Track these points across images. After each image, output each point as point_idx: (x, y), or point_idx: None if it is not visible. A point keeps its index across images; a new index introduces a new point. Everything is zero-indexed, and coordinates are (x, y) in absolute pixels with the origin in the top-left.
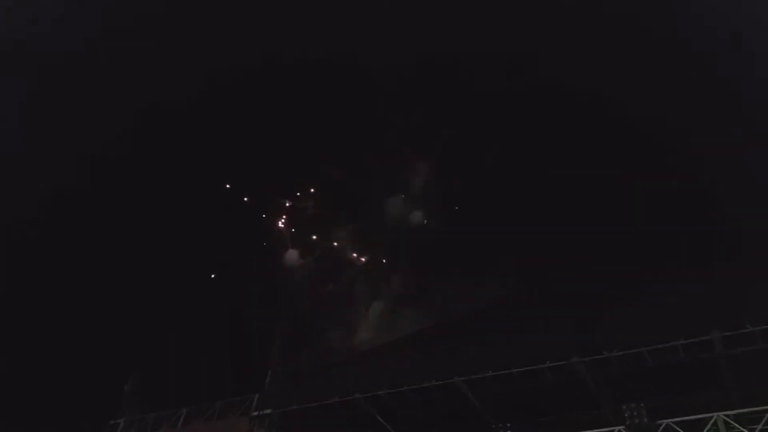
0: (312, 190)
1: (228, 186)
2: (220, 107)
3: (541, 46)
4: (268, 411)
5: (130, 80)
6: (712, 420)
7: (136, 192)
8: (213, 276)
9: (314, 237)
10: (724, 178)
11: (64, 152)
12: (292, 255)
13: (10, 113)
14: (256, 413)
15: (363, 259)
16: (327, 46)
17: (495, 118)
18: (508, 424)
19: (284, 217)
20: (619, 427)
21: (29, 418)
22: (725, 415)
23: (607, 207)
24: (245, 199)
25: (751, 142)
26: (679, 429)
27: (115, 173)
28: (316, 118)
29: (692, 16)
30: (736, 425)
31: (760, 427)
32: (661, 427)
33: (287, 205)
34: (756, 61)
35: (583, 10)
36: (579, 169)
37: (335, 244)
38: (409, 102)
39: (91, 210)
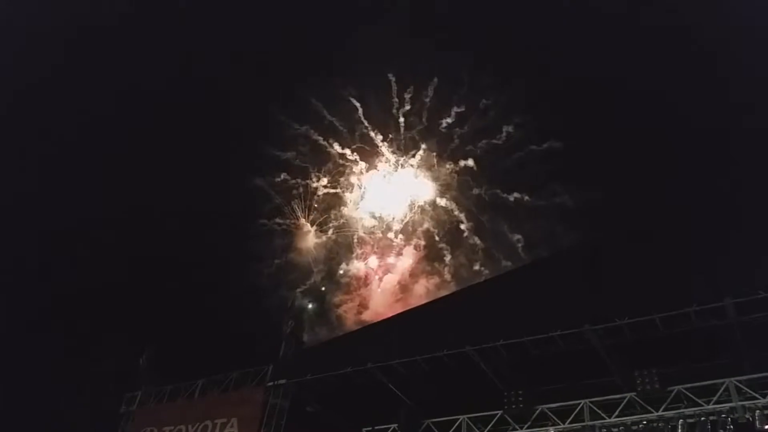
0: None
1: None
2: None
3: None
4: (283, 381)
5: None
6: (724, 386)
7: (156, 162)
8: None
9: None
10: (736, 147)
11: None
12: (306, 231)
13: None
14: (271, 383)
15: (377, 234)
16: None
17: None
18: (520, 392)
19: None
20: (631, 394)
21: (47, 392)
22: (737, 381)
23: (618, 175)
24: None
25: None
26: (690, 395)
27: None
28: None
29: None
30: (749, 390)
31: None
32: (673, 394)
33: (300, 184)
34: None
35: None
36: (591, 137)
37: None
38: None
39: (108, 182)
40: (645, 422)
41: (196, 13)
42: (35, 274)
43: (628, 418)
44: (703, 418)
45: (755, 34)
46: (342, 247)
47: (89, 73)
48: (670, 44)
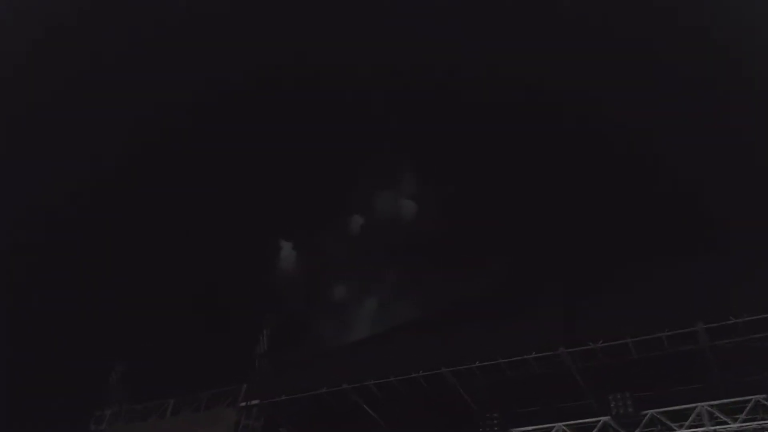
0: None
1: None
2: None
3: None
4: (256, 401)
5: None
6: (696, 410)
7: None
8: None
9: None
10: (708, 172)
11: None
12: (284, 247)
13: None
14: (243, 404)
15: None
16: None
17: (480, 121)
18: (495, 414)
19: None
20: (605, 417)
21: (14, 411)
22: (709, 406)
23: (592, 200)
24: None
25: (732, 137)
26: (663, 419)
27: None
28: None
29: None
30: (720, 415)
31: (742, 416)
32: (646, 418)
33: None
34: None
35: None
36: (562, 163)
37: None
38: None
39: (80, 203)
40: None
41: None
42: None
43: None
44: None
45: None
46: None
47: None
48: None
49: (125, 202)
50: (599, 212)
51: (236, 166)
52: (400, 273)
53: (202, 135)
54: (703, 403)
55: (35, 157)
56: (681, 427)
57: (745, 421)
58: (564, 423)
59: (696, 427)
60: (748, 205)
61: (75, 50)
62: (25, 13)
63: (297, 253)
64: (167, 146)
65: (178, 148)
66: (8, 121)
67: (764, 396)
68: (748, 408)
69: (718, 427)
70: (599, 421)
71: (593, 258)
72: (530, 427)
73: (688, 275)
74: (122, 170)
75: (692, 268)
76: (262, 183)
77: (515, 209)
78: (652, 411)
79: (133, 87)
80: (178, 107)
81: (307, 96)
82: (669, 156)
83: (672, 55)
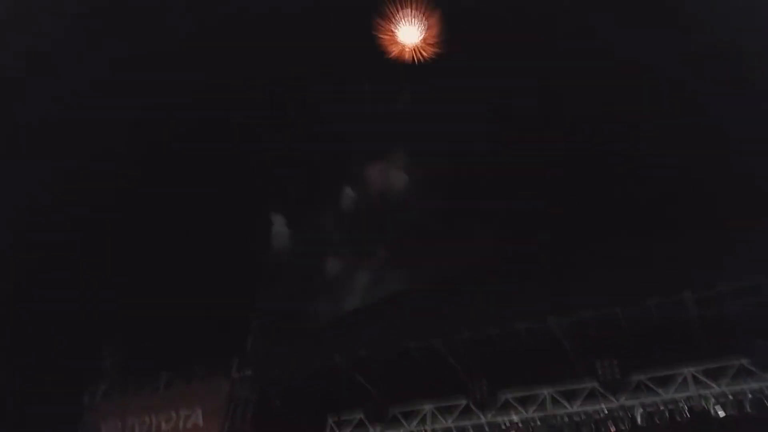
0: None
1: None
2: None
3: None
4: (249, 373)
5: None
6: (682, 376)
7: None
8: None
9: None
10: (695, 144)
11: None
12: (277, 219)
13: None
14: (237, 375)
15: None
16: None
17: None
18: (485, 382)
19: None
20: (593, 384)
21: (8, 388)
22: (694, 370)
23: (582, 175)
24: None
25: (719, 108)
26: (649, 384)
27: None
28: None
29: None
30: (705, 380)
31: (725, 380)
32: (633, 384)
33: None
34: None
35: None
36: (555, 144)
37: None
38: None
39: (80, 203)
40: (606, 411)
41: None
42: None
43: (590, 407)
44: (662, 407)
45: None
46: None
47: None
48: None
49: (125, 202)
50: (588, 186)
51: (234, 162)
52: (390, 247)
53: (203, 135)
54: (688, 368)
55: (35, 157)
56: (667, 392)
57: (728, 384)
58: (553, 389)
59: (681, 391)
60: (734, 182)
61: (75, 50)
62: (25, 13)
63: (289, 229)
64: (167, 146)
65: (179, 148)
66: (8, 121)
67: (748, 360)
68: (732, 372)
69: (702, 390)
70: (587, 387)
71: (582, 230)
72: (519, 393)
73: (676, 246)
74: (122, 170)
75: (679, 239)
76: (258, 171)
77: (505, 182)
78: (638, 377)
79: (134, 87)
80: (178, 107)
81: (306, 95)
82: (660, 140)
83: (672, 54)
